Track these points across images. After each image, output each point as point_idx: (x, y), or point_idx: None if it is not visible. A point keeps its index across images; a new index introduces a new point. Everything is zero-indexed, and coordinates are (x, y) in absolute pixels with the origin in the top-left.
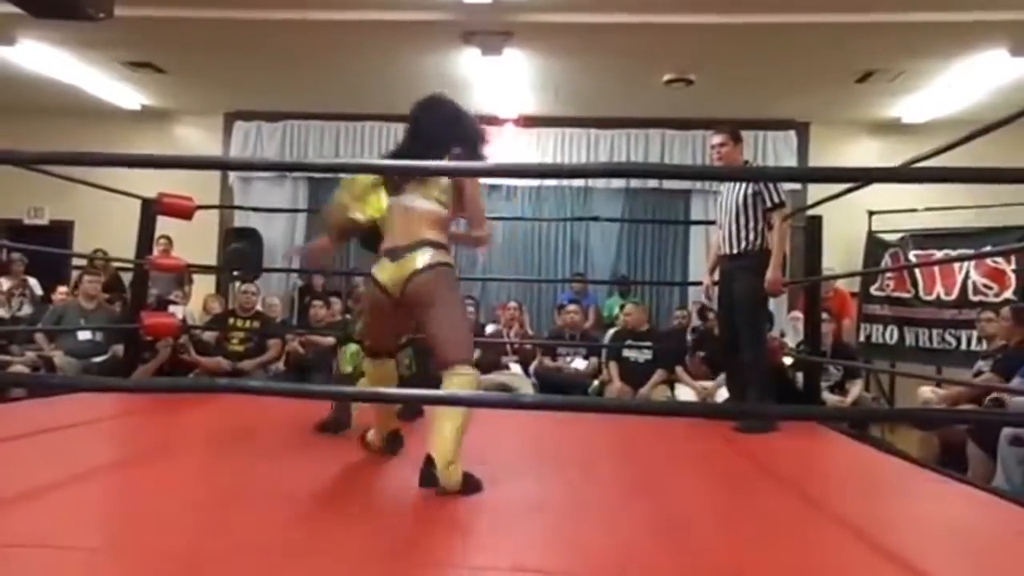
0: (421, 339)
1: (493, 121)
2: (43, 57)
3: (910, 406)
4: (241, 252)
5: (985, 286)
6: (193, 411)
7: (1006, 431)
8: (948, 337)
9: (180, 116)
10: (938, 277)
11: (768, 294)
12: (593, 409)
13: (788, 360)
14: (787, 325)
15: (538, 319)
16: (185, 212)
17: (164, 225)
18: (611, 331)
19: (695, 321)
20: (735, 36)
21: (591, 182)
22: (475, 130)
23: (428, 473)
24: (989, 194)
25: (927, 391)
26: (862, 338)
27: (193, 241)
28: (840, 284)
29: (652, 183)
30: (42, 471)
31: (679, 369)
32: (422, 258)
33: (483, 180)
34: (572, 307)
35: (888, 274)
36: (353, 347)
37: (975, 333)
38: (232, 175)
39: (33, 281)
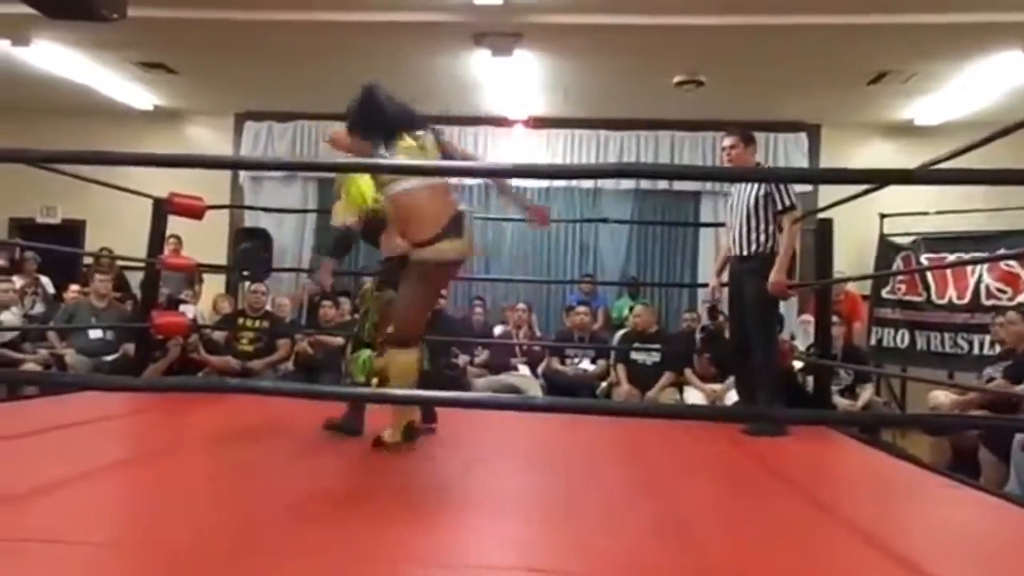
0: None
1: (503, 122)
2: (57, 58)
3: (921, 411)
4: (251, 252)
5: (999, 290)
6: (202, 410)
7: (1019, 436)
8: (960, 341)
9: (191, 116)
10: (950, 280)
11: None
12: (602, 412)
13: (798, 363)
14: (798, 328)
15: (547, 320)
16: (196, 212)
17: (175, 225)
18: (620, 333)
19: (704, 321)
20: (745, 37)
21: (600, 183)
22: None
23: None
24: (1002, 197)
25: (941, 395)
26: (873, 342)
27: (203, 241)
28: (851, 287)
29: (662, 184)
30: (52, 468)
31: (688, 371)
32: (467, 219)
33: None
34: (581, 308)
35: (900, 277)
36: (365, 354)
37: (987, 337)
38: (242, 175)
39: (45, 280)
